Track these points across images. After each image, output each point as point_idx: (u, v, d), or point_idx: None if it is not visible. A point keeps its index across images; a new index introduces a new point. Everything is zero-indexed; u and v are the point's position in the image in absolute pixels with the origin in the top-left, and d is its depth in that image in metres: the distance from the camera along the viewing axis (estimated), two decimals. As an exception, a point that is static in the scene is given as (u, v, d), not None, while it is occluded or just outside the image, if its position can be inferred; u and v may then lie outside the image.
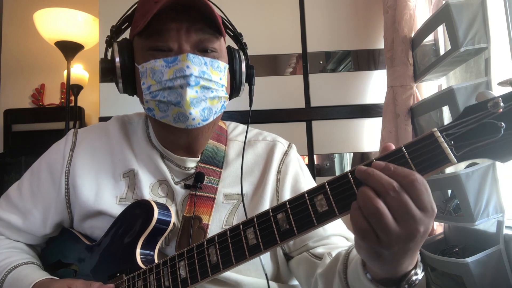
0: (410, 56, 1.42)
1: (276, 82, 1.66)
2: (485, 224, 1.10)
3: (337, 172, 1.64)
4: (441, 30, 1.44)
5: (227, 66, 0.74)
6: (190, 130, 0.71)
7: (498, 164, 1.04)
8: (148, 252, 0.70)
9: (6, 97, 2.53)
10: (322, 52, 1.69)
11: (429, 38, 1.42)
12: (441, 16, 1.20)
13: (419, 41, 1.40)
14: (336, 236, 0.75)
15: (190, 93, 0.66)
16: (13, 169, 2.26)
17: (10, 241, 0.79)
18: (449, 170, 1.37)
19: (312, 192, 0.49)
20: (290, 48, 1.69)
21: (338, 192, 0.47)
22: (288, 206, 0.50)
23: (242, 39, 0.80)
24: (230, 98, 0.78)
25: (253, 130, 0.88)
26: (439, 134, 0.44)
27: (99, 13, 1.72)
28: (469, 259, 1.02)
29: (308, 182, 0.82)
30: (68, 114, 2.11)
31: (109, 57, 0.75)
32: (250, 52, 0.82)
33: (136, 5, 0.75)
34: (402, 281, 0.49)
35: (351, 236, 0.76)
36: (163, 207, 0.71)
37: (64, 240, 0.80)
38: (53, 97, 2.55)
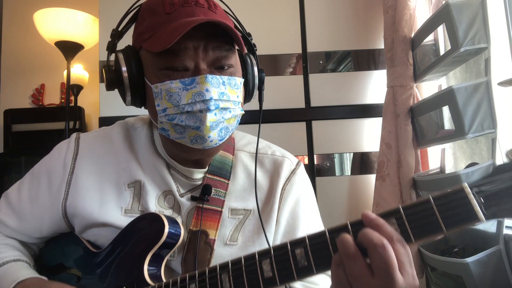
0: (410, 56, 1.42)
1: (276, 82, 1.66)
2: (485, 224, 1.10)
3: (337, 172, 1.64)
4: (441, 30, 1.44)
5: (243, 80, 0.71)
6: (206, 149, 0.69)
7: (498, 164, 1.04)
8: (155, 268, 0.68)
9: (6, 97, 2.53)
10: (322, 52, 1.69)
11: (429, 38, 1.41)
12: (441, 16, 1.20)
13: (419, 41, 1.40)
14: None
15: (210, 118, 0.63)
16: (13, 169, 2.26)
17: (3, 238, 0.77)
18: (448, 170, 1.37)
19: (334, 232, 0.48)
20: (290, 48, 1.69)
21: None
22: (307, 242, 0.49)
23: (251, 39, 0.77)
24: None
25: (262, 142, 0.84)
26: (470, 190, 0.44)
27: (99, 13, 1.72)
28: (469, 259, 1.02)
29: (308, 208, 0.80)
30: (68, 114, 2.11)
31: (112, 64, 0.71)
32: (250, 52, 0.80)
33: (138, 7, 0.71)
34: None
35: None
36: (173, 222, 0.69)
37: (68, 243, 0.78)
38: (53, 97, 2.55)
